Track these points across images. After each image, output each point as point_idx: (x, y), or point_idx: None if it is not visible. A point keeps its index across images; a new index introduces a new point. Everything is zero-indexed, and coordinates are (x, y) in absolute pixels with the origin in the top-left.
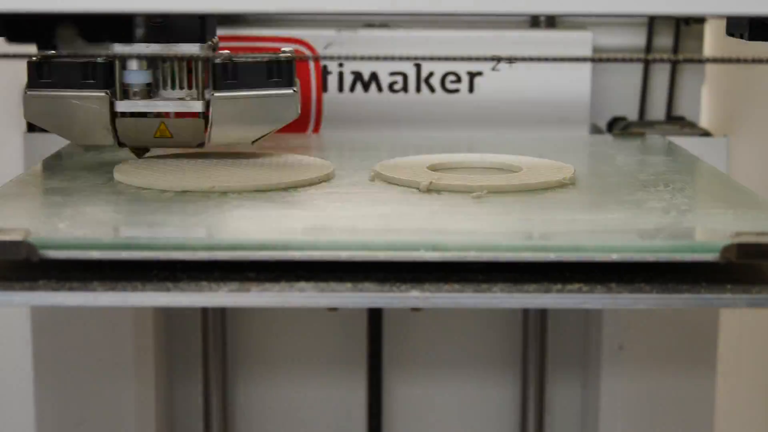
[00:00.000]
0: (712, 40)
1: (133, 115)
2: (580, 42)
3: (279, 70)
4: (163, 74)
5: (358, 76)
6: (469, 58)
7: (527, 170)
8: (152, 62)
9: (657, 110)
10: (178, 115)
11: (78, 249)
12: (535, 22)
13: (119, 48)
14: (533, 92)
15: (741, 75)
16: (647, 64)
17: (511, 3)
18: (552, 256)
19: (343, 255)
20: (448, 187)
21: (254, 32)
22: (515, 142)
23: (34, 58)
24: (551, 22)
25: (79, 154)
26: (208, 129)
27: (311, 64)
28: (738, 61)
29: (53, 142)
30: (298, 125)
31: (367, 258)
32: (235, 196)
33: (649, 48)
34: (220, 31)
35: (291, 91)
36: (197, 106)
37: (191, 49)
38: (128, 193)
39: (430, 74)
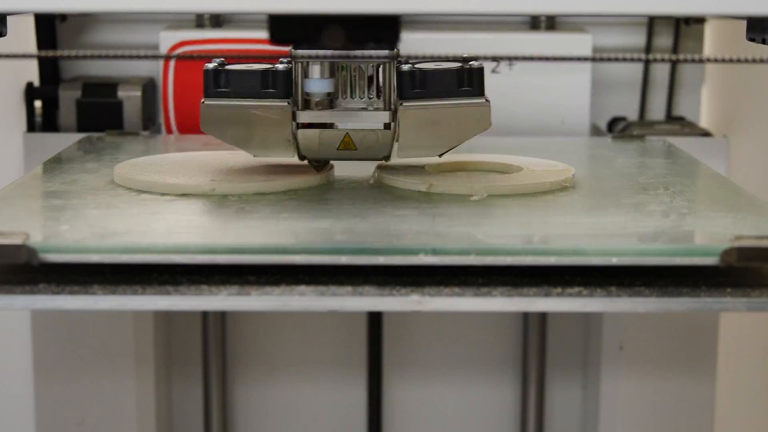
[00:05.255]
0: (712, 40)
1: (311, 126)
2: (580, 44)
3: (470, 78)
4: (341, 83)
5: None
6: (469, 58)
7: (527, 172)
8: (331, 71)
9: (657, 110)
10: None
11: (78, 252)
12: (535, 24)
13: (301, 53)
14: (533, 94)
15: (741, 75)
16: (647, 64)
17: (510, 3)
18: (552, 260)
19: (343, 259)
20: (448, 189)
21: (255, 35)
22: (515, 144)
23: (210, 66)
24: (551, 24)
25: (80, 157)
26: (395, 141)
27: None
28: (738, 61)
29: (53, 143)
30: None
31: (366, 262)
32: (236, 199)
33: (649, 48)
34: (219, 34)
35: (483, 99)
36: (384, 117)
37: (379, 53)
38: (128, 195)
39: None
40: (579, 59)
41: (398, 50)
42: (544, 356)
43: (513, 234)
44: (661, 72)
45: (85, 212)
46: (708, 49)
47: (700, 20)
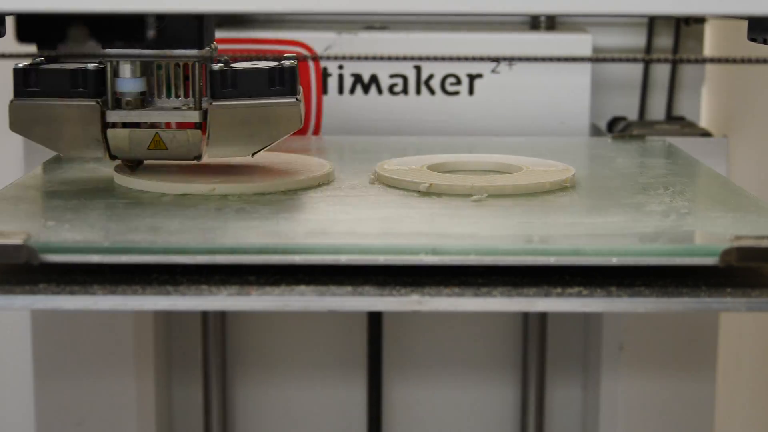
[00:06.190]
0: (712, 40)
1: (125, 125)
2: (580, 44)
3: (281, 77)
4: (157, 82)
5: (358, 78)
6: (472, 58)
7: (527, 172)
8: (146, 70)
9: (657, 110)
10: (175, 125)
11: (78, 253)
12: (534, 24)
13: (111, 52)
14: (533, 94)
15: (741, 75)
16: (647, 64)
17: (510, 3)
18: (552, 260)
19: (343, 259)
20: (448, 189)
21: (254, 34)
22: (515, 144)
23: (20, 65)
24: (551, 24)
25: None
26: (206, 141)
27: (311, 67)
28: (738, 61)
29: None
30: None
31: (367, 262)
32: (235, 199)
33: (649, 48)
34: (219, 34)
35: (294, 99)
36: (194, 116)
37: (188, 53)
38: (128, 196)
39: (430, 76)
40: (579, 59)
41: (212, 50)
42: (544, 356)
43: (513, 234)
44: (661, 72)
45: (85, 212)
46: (708, 49)
47: (700, 20)
